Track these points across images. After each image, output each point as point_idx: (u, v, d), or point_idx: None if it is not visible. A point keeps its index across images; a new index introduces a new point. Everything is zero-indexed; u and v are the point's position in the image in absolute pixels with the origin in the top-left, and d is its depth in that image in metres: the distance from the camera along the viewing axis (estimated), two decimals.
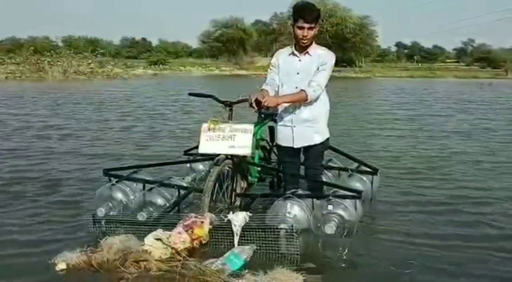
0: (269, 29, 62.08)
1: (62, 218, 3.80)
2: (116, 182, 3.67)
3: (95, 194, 3.67)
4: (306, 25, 3.38)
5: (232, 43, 55.41)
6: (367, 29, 54.16)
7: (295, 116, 3.59)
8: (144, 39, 79.40)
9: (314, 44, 3.57)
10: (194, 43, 71.50)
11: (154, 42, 78.74)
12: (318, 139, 3.63)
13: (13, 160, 5.89)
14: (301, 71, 3.53)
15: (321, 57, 3.51)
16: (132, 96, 16.03)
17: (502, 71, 50.76)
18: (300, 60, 3.55)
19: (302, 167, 3.91)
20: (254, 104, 3.40)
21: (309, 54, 3.53)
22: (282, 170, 3.98)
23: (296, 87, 3.51)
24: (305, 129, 3.59)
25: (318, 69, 3.49)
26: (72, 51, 32.77)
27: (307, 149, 3.69)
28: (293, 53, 3.59)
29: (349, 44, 52.83)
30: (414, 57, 75.08)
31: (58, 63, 28.55)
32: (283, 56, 3.64)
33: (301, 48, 3.53)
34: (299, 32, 3.42)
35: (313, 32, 3.44)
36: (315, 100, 3.53)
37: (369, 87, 26.25)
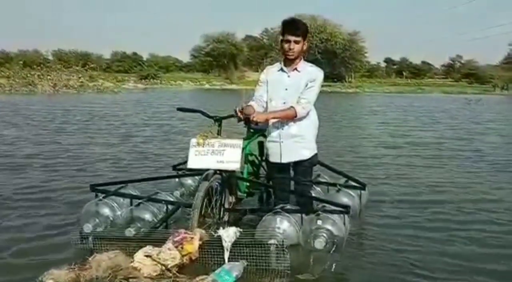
0: (260, 44, 62.64)
1: (49, 234, 3.74)
2: (103, 197, 3.64)
3: (81, 210, 3.63)
4: (292, 38, 3.47)
5: (223, 58, 55.79)
6: (357, 45, 54.91)
7: (283, 132, 3.61)
8: (135, 53, 79.49)
9: (302, 61, 3.62)
10: (185, 58, 71.78)
11: (145, 56, 78.91)
12: (305, 154, 3.65)
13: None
14: (290, 87, 3.57)
15: (310, 74, 3.56)
16: (122, 114, 14.97)
17: (489, 87, 51.54)
18: (289, 76, 3.59)
19: (292, 182, 3.93)
20: (238, 113, 3.44)
21: (297, 70, 3.58)
22: (272, 186, 3.99)
23: (284, 103, 3.55)
24: (293, 144, 3.62)
25: (307, 85, 3.53)
26: (62, 65, 32.72)
27: (296, 164, 3.71)
28: (282, 70, 3.63)
29: (339, 60, 53.49)
30: (403, 73, 75.87)
31: (48, 77, 28.49)
32: (272, 72, 3.69)
33: (289, 63, 3.58)
34: (285, 46, 3.51)
35: (300, 46, 3.50)
36: (304, 116, 3.56)
37: (366, 104, 25.36)
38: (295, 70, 3.58)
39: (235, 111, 3.46)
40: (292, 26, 3.52)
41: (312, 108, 3.62)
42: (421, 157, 8.04)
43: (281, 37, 3.59)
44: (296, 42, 3.48)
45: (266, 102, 3.68)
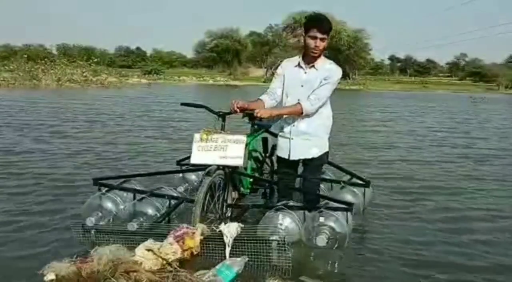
0: (263, 40, 62.51)
1: (50, 227, 3.74)
2: (106, 191, 3.65)
3: (84, 203, 3.64)
4: (319, 35, 3.36)
5: (227, 53, 55.65)
6: (361, 42, 54.72)
7: (293, 128, 3.56)
8: (138, 48, 79.65)
9: (322, 57, 3.53)
10: (189, 53, 71.87)
11: (149, 52, 78.98)
12: (315, 153, 3.58)
13: None
14: (306, 84, 3.49)
15: (327, 71, 3.47)
16: (126, 113, 13.50)
17: (494, 86, 51.38)
18: (305, 73, 3.51)
19: (298, 179, 3.92)
20: (236, 107, 3.44)
21: (315, 68, 3.48)
22: (277, 181, 3.97)
23: (299, 100, 3.48)
24: (302, 142, 3.56)
25: (321, 82, 3.45)
26: (66, 60, 32.69)
27: (305, 162, 3.66)
28: (299, 65, 3.54)
29: (343, 57, 53.29)
30: (408, 70, 75.75)
31: (52, 71, 28.45)
32: (289, 67, 3.60)
33: (309, 60, 3.48)
34: (311, 42, 3.39)
35: (325, 44, 3.41)
36: (314, 113, 3.50)
37: (378, 104, 23.35)
38: (312, 68, 3.49)
39: (232, 104, 3.46)
40: (321, 22, 3.40)
41: (326, 105, 3.55)
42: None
43: (304, 33, 3.45)
44: (322, 39, 3.38)
45: (282, 97, 3.61)
